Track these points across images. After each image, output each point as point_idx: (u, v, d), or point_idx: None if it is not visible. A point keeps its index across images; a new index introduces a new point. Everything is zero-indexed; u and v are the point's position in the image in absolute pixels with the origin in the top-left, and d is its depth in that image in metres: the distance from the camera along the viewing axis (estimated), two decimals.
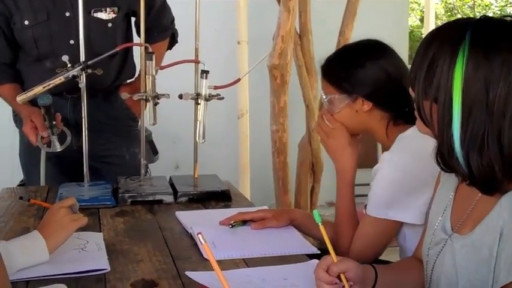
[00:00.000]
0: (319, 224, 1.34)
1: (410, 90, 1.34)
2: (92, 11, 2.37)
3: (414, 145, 1.65)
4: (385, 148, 1.79)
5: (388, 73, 1.73)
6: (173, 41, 2.66)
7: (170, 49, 2.66)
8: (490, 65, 1.19)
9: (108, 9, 2.39)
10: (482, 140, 1.20)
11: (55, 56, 2.19)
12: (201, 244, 1.12)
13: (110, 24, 2.41)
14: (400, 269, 1.53)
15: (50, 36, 2.37)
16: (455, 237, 1.33)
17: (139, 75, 2.23)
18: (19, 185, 2.58)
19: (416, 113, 1.33)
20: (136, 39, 2.47)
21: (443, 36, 1.27)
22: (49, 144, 2.26)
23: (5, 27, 2.38)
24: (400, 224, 1.71)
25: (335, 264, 1.32)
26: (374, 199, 1.70)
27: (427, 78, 1.26)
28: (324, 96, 1.81)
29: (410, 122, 1.67)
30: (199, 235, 1.12)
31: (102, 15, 2.39)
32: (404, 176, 1.65)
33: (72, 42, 2.32)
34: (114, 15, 2.41)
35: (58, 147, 2.25)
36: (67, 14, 2.35)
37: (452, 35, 1.25)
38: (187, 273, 1.47)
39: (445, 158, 1.28)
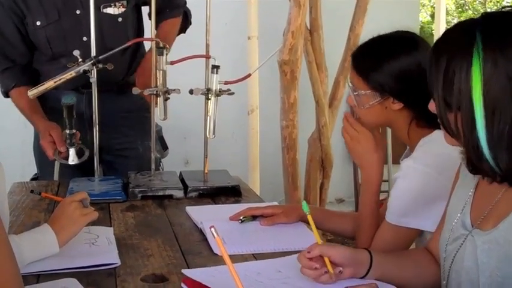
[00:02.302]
0: (307, 213, 1.43)
1: (430, 103, 1.32)
2: (101, 7, 2.37)
3: (436, 153, 1.62)
4: (408, 146, 1.77)
5: (421, 69, 1.62)
6: (186, 21, 2.65)
7: (184, 32, 2.65)
8: (508, 59, 1.18)
9: (117, 3, 2.40)
10: (509, 138, 1.19)
11: (69, 53, 2.19)
12: (214, 237, 1.12)
13: (120, 19, 2.42)
14: (400, 254, 1.54)
15: (62, 35, 2.38)
16: (476, 232, 1.31)
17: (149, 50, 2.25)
18: (32, 179, 2.59)
19: (441, 126, 1.31)
20: (147, 26, 2.45)
21: (452, 42, 1.25)
22: (65, 157, 2.24)
23: (21, 27, 2.39)
24: (419, 232, 1.68)
25: (316, 246, 1.34)
26: (394, 207, 1.67)
27: (446, 88, 1.24)
28: (353, 90, 1.72)
29: (433, 124, 1.66)
30: (212, 228, 1.12)
31: (111, 10, 2.39)
32: (425, 184, 1.61)
33: (85, 39, 2.32)
34: (123, 9, 2.42)
35: (75, 160, 2.22)
36: (77, 11, 2.36)
37: (461, 38, 1.23)
38: (184, 271, 1.43)
39: (474, 164, 1.26)
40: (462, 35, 1.24)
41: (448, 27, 1.33)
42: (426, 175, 1.62)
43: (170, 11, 2.53)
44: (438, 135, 1.63)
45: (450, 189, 1.50)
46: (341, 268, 1.34)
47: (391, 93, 1.67)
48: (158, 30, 2.41)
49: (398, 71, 1.66)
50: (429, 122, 1.68)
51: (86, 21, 2.21)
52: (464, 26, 1.26)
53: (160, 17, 2.33)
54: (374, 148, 1.75)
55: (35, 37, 2.40)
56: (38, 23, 2.36)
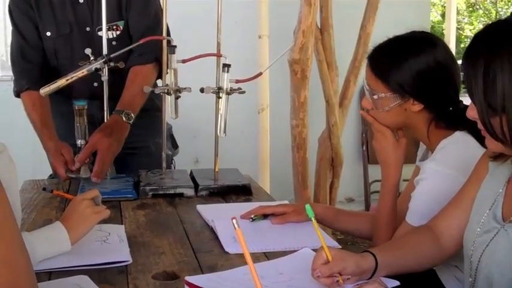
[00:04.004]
0: (312, 219, 1.37)
1: (469, 109, 1.29)
2: (96, 29, 2.34)
3: (458, 155, 1.62)
4: (428, 147, 1.77)
5: (440, 69, 1.65)
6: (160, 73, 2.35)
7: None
8: None
9: (113, 26, 2.35)
10: None
11: (74, 68, 2.15)
12: (234, 229, 1.11)
13: (114, 43, 2.36)
14: (403, 243, 1.54)
15: (70, 50, 2.38)
16: (510, 226, 1.30)
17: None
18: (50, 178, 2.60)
19: (483, 132, 1.28)
20: None
21: (487, 43, 1.22)
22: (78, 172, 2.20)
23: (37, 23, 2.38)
24: None
25: (329, 266, 1.32)
26: (417, 209, 1.66)
27: (487, 91, 1.21)
28: (371, 93, 1.70)
29: (452, 125, 1.65)
30: (234, 220, 1.11)
31: (103, 34, 2.28)
32: (448, 186, 1.60)
33: (92, 58, 2.28)
34: (118, 32, 2.38)
35: (88, 174, 2.16)
36: (87, 28, 2.36)
37: (497, 39, 1.21)
38: (187, 278, 1.40)
39: None
40: (497, 35, 1.21)
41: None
42: (449, 177, 1.61)
43: (138, 55, 2.32)
44: (459, 136, 1.63)
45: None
46: (349, 276, 1.35)
47: (412, 94, 1.66)
48: (128, 75, 2.33)
49: (419, 71, 1.64)
50: (448, 123, 1.67)
51: (93, 39, 2.19)
52: (496, 27, 1.24)
53: (129, 61, 2.25)
54: (393, 147, 1.74)
55: (44, 45, 2.41)
56: (48, 34, 2.36)
